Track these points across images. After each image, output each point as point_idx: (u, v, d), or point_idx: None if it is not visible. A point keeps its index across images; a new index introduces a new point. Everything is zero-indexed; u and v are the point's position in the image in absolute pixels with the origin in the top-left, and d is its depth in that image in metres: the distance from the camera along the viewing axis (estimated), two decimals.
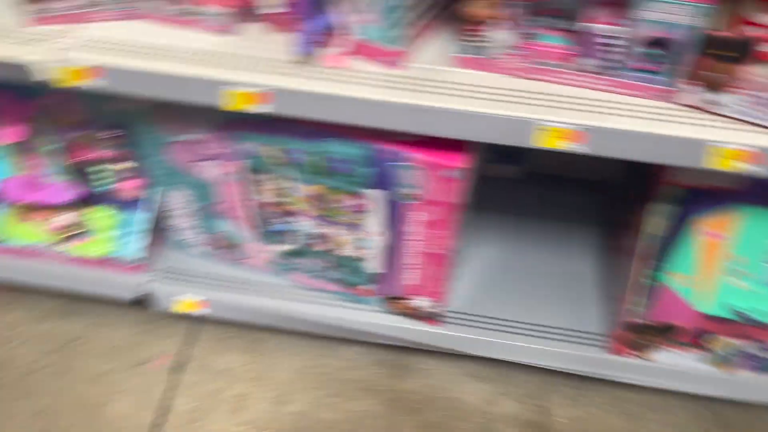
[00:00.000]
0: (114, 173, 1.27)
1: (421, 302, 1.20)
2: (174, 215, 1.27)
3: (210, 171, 1.12)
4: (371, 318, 1.26)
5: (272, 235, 1.21)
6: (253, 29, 0.95)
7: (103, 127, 1.19)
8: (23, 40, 0.93)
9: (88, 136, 1.21)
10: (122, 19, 0.96)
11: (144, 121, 1.08)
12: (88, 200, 1.33)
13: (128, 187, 1.28)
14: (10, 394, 1.32)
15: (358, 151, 0.97)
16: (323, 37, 0.90)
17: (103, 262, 1.30)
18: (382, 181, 1.00)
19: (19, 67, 0.90)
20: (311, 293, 1.29)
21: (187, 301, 1.29)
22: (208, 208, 1.21)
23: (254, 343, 1.42)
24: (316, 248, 1.19)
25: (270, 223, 1.18)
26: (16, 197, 1.29)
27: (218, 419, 1.31)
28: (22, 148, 1.25)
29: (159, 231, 1.32)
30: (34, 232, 1.33)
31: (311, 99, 0.88)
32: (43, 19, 0.94)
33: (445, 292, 1.17)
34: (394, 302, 1.22)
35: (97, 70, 0.91)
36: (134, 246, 1.30)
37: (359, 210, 1.06)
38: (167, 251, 1.35)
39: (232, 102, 0.89)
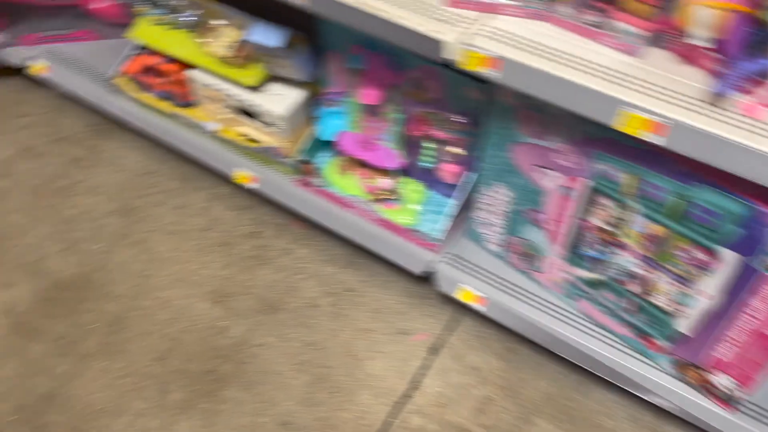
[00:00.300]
0: (441, 154, 1.33)
1: (723, 380, 1.09)
2: (485, 209, 1.29)
3: (549, 180, 1.11)
4: (652, 374, 1.18)
5: (580, 259, 1.17)
6: (660, 56, 0.92)
7: (452, 110, 1.24)
8: (439, 17, 0.99)
9: (434, 114, 1.28)
10: (530, 17, 0.98)
11: (501, 116, 1.11)
12: (406, 171, 1.42)
13: (449, 171, 1.34)
14: (291, 319, 1.46)
15: (733, 206, 0.89)
16: (747, 82, 0.83)
17: (404, 230, 1.37)
18: (746, 245, 0.91)
19: (431, 42, 0.96)
20: (593, 327, 1.24)
21: (469, 292, 1.32)
22: (524, 213, 1.21)
23: (510, 352, 1.41)
24: (625, 287, 1.13)
25: (584, 247, 1.15)
26: (348, 150, 1.41)
27: (461, 413, 1.32)
28: (371, 109, 1.35)
29: (460, 217, 1.36)
30: (352, 185, 1.45)
31: (711, 142, 0.83)
32: (459, 3, 0.99)
33: (756, 379, 1.05)
34: (689, 369, 1.13)
35: (495, 61, 0.94)
36: (436, 225, 1.36)
37: (700, 265, 0.99)
38: (462, 238, 1.39)
39: (625, 124, 0.87)
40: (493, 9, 0.99)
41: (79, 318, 1.46)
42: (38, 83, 1.93)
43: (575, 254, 1.18)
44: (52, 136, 1.85)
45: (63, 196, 1.70)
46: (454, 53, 0.96)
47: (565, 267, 1.21)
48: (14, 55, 1.83)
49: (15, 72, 1.90)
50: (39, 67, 1.79)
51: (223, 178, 1.68)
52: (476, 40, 0.95)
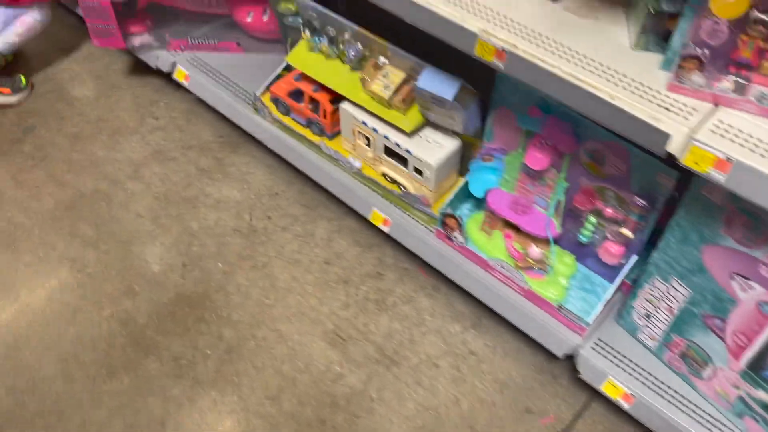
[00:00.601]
0: (605, 231, 1.23)
1: None
2: (649, 300, 1.17)
3: (747, 291, 0.99)
4: None
5: (762, 379, 1.04)
6: None
7: (632, 191, 1.14)
8: (659, 102, 0.89)
9: (607, 190, 1.17)
10: (765, 115, 0.86)
11: (701, 212, 0.99)
12: (557, 241, 1.32)
13: (611, 251, 1.23)
14: (408, 375, 1.39)
15: None
16: None
17: (548, 305, 1.27)
18: None
19: (652, 132, 0.86)
20: None
21: (615, 386, 1.20)
22: (700, 315, 1.09)
23: None
24: None
25: None
26: (498, 210, 1.32)
27: None
28: (532, 172, 1.26)
29: (611, 299, 1.25)
30: (495, 246, 1.36)
31: None
32: (682, 89, 0.89)
33: None
34: None
35: (723, 163, 0.83)
36: (586, 307, 1.25)
37: None
38: (611, 323, 1.28)
39: None
40: (722, 101, 0.88)
41: (196, 339, 1.43)
42: (175, 86, 1.93)
43: (757, 373, 1.05)
44: (183, 143, 1.84)
45: (189, 207, 1.69)
46: (679, 148, 0.86)
47: (740, 383, 1.08)
48: (160, 58, 1.84)
49: (153, 72, 1.91)
50: (181, 73, 1.79)
51: (349, 211, 1.62)
52: (701, 135, 0.85)
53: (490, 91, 1.26)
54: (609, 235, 1.22)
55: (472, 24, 1.00)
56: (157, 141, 1.84)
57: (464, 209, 1.43)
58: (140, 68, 1.99)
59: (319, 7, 1.36)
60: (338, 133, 1.53)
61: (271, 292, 1.53)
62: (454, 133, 1.36)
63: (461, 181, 1.39)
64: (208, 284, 1.53)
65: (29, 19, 1.85)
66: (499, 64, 0.99)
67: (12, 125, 1.87)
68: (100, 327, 1.45)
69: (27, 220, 1.64)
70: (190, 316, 1.47)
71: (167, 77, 1.88)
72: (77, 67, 2.06)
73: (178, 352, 1.41)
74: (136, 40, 1.83)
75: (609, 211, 1.19)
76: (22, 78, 1.92)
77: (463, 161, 1.40)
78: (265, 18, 1.73)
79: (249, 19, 1.75)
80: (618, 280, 1.22)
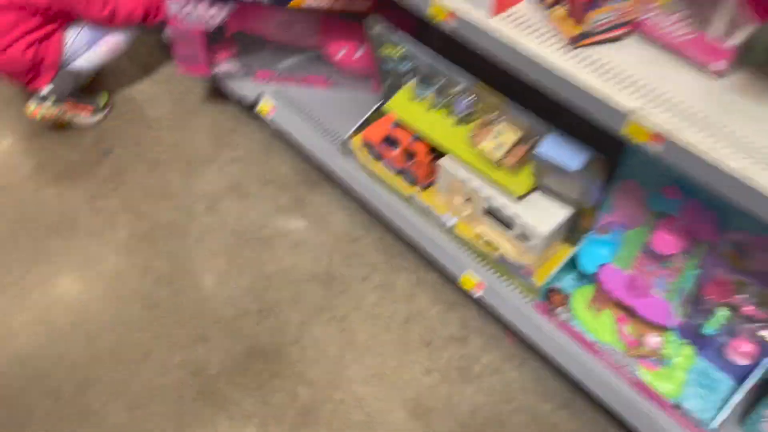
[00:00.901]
0: (736, 328, 1.10)
1: None
2: None
3: None
4: None
5: None
6: None
7: None
8: None
9: (748, 285, 1.05)
10: None
11: None
12: (677, 330, 1.19)
13: (742, 351, 1.10)
14: None
15: None
16: None
17: (663, 402, 1.14)
18: None
19: None
20: None
21: None
22: None
23: None
24: None
25: None
26: (612, 290, 1.21)
27: None
28: (655, 254, 1.15)
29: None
30: (604, 328, 1.24)
31: None
32: None
33: None
34: None
35: None
36: (704, 405, 1.13)
37: None
38: (731, 425, 1.14)
39: None
40: None
41: (270, 397, 1.35)
42: (252, 115, 1.87)
43: None
44: (261, 177, 1.77)
45: (265, 248, 1.61)
46: None
47: None
48: (244, 88, 1.77)
49: (231, 99, 1.85)
50: (266, 105, 1.72)
51: (430, 264, 1.53)
52: None
53: (612, 156, 1.15)
54: (741, 333, 1.10)
55: (622, 101, 0.89)
56: (234, 173, 1.78)
57: (568, 279, 1.31)
58: (218, 94, 1.94)
59: (431, 57, 1.27)
60: (430, 184, 1.44)
61: (348, 349, 1.44)
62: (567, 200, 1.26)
63: (567, 251, 1.28)
64: (283, 335, 1.45)
65: (115, 39, 1.82)
66: (653, 147, 0.88)
67: (90, 145, 1.84)
68: (171, 375, 1.38)
69: (100, 251, 1.59)
70: (264, 371, 1.39)
71: (244, 105, 1.81)
72: (156, 89, 2.02)
73: (250, 410, 1.33)
74: (221, 68, 1.77)
75: (749, 309, 1.06)
76: (105, 96, 1.89)
77: (571, 229, 1.29)
78: (358, 55, 1.65)
79: (341, 55, 1.67)
80: (749, 384, 1.09)
